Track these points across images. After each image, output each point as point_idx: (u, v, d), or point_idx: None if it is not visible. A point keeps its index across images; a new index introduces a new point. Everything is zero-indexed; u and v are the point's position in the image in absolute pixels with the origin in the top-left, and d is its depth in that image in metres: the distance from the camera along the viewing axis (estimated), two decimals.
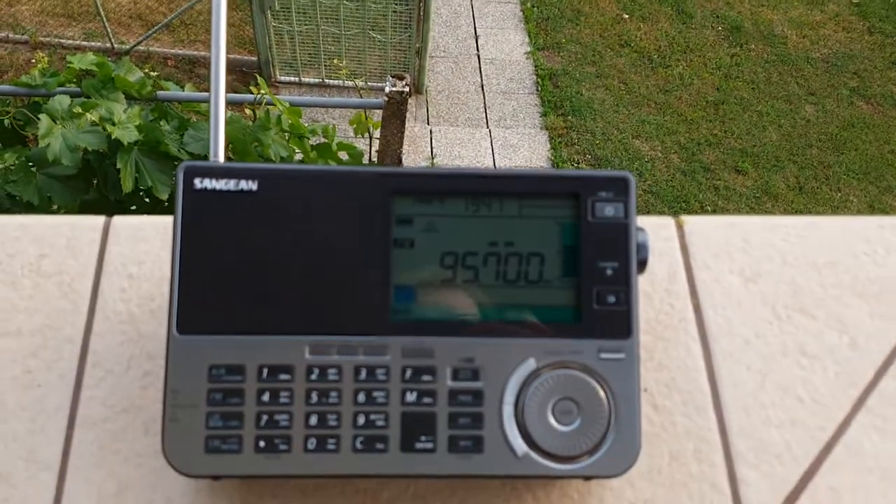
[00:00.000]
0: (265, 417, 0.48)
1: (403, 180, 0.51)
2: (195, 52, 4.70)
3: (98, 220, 0.62)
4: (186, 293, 0.49)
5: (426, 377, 0.49)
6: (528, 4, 5.44)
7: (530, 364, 0.50)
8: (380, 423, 0.49)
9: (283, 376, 0.49)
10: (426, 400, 0.49)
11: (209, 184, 0.50)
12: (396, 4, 4.27)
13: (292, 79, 4.59)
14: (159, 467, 0.53)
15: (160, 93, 2.25)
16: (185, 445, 0.48)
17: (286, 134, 2.15)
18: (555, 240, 0.51)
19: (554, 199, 0.52)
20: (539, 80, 4.94)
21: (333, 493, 0.53)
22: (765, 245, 0.64)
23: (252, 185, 0.50)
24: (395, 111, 2.48)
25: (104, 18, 4.40)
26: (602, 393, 0.50)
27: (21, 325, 0.58)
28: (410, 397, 0.49)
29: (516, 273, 0.51)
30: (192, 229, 0.50)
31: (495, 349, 0.50)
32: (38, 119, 1.89)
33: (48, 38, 4.61)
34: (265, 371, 0.49)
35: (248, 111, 2.29)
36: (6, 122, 2.12)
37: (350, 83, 4.38)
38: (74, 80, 2.20)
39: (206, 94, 2.41)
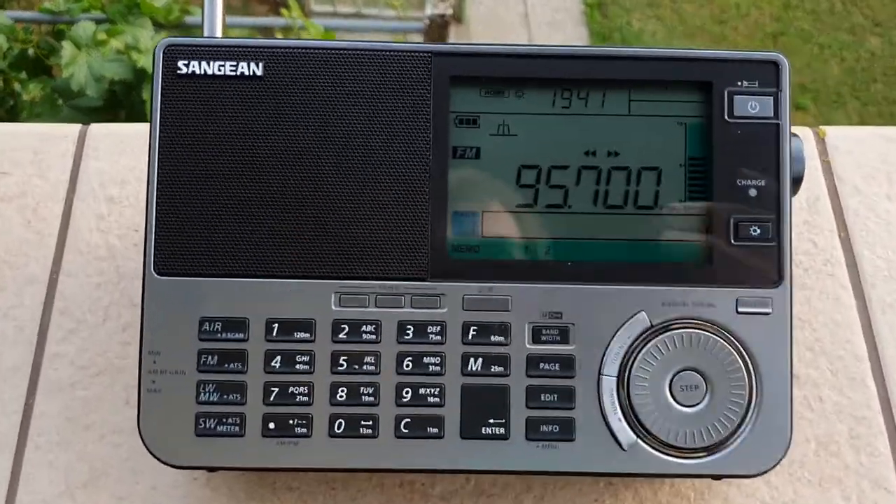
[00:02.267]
0: (276, 390, 0.40)
1: (465, 62, 0.42)
2: None
3: (72, 129, 0.56)
4: (168, 221, 0.42)
5: (496, 338, 0.41)
6: None
7: (641, 320, 0.41)
8: (432, 399, 0.41)
9: (301, 334, 0.41)
10: (496, 369, 0.41)
11: (198, 67, 0.41)
12: None
13: (327, 8, 4.59)
14: (143, 448, 0.43)
15: (188, 18, 2.28)
16: (168, 426, 0.41)
17: None
18: (677, 148, 0.42)
19: (676, 90, 0.42)
20: (587, 9, 4.88)
21: (369, 486, 0.45)
22: None
23: (256, 69, 0.41)
24: (437, 35, 2.43)
25: None
26: (740, 362, 0.41)
27: None
28: (474, 365, 0.41)
29: (622, 195, 0.42)
30: (174, 131, 0.42)
31: (592, 300, 0.41)
32: (62, 47, 1.96)
33: None
34: (276, 327, 0.41)
35: (280, 37, 2.31)
36: (30, 51, 2.19)
37: (387, 12, 4.36)
38: (100, 6, 2.26)
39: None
